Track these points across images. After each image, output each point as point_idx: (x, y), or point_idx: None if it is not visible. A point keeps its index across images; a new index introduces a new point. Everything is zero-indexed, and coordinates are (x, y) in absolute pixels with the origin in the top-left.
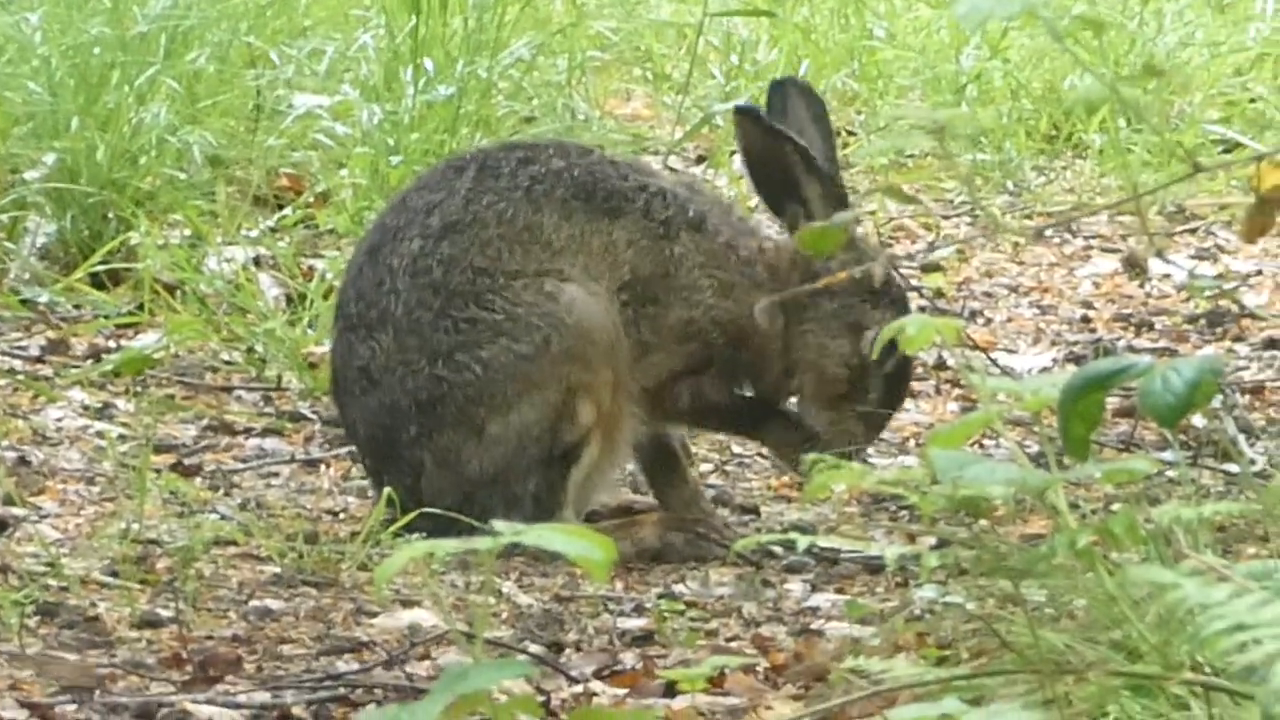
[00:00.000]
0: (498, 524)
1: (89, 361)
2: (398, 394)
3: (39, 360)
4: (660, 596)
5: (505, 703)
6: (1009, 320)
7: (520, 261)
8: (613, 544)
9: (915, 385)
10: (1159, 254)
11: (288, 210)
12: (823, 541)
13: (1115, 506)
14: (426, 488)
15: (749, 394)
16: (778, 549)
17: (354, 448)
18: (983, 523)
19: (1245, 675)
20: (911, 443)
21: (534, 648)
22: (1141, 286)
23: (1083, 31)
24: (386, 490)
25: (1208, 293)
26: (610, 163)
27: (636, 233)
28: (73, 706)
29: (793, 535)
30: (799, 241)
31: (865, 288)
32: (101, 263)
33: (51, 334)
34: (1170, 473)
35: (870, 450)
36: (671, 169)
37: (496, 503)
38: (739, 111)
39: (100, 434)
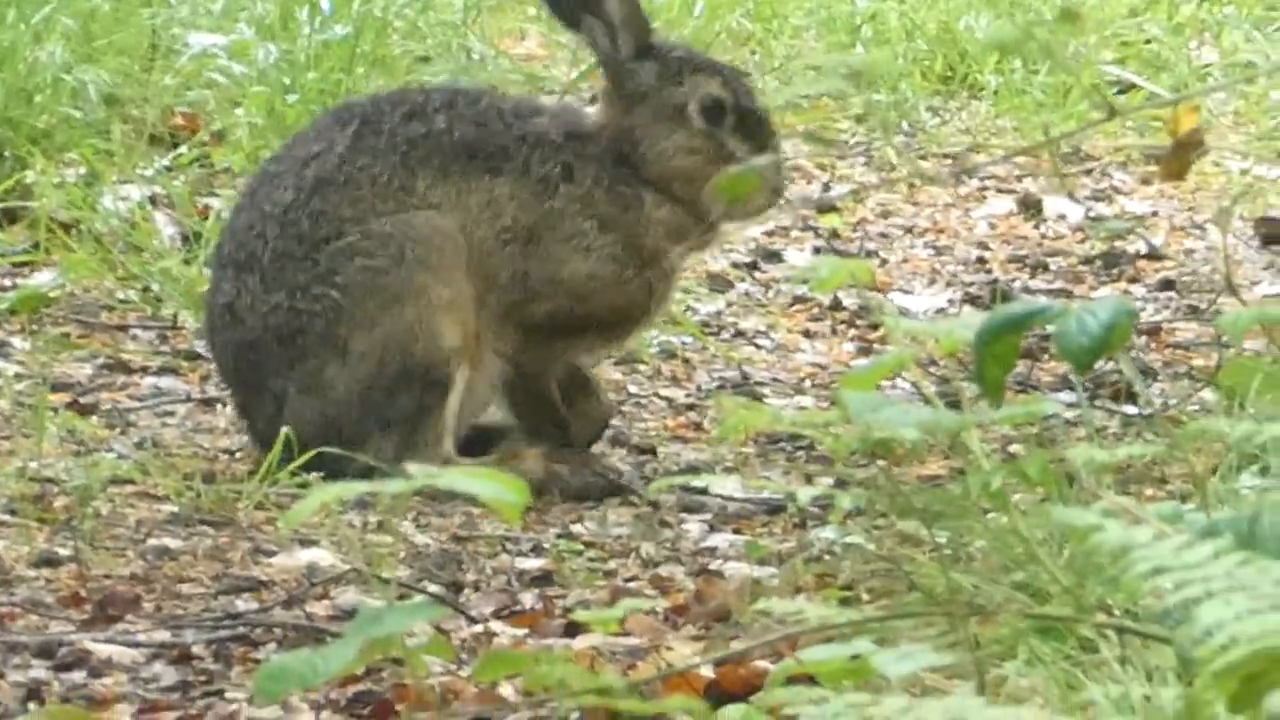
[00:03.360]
0: (410, 466)
1: None
2: (259, 331)
3: None
4: (559, 536)
5: (419, 645)
6: (904, 261)
7: (390, 210)
8: (525, 486)
9: (811, 326)
10: (1070, 195)
11: (183, 149)
12: (729, 484)
13: (1012, 448)
14: (290, 416)
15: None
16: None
17: (202, 354)
18: (880, 463)
19: (1159, 618)
20: (808, 383)
21: (433, 588)
22: (1037, 228)
23: None
24: (285, 431)
25: (1114, 233)
26: (497, 111)
27: (518, 190)
28: None
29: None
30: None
31: (666, 75)
32: None
33: None
34: (1067, 414)
35: (767, 391)
36: None
37: (367, 427)
38: None
39: None
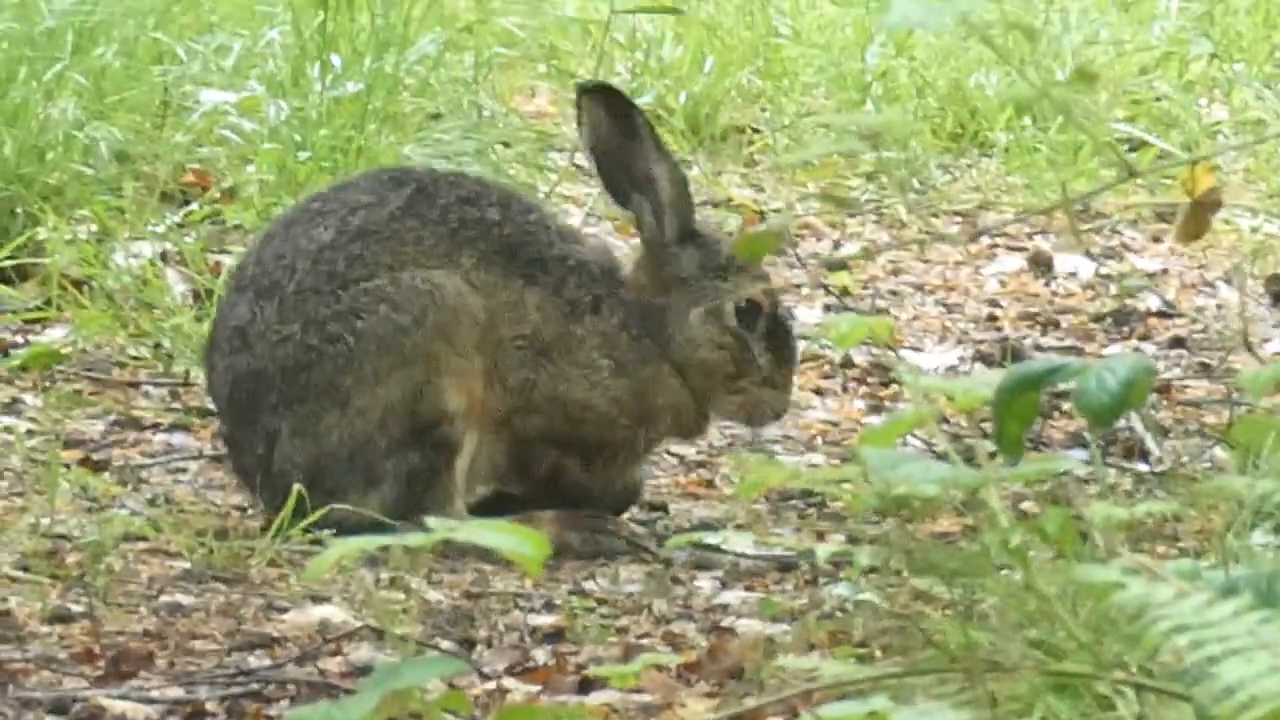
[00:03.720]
0: (430, 520)
1: None
2: (266, 360)
3: None
4: (571, 593)
5: (436, 698)
6: (915, 318)
7: (430, 267)
8: (546, 540)
9: (822, 383)
10: (1087, 253)
11: (194, 205)
12: (742, 541)
13: (1024, 505)
14: (278, 456)
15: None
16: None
17: (213, 410)
18: (890, 521)
19: (1177, 676)
20: (819, 440)
21: (445, 644)
22: (1047, 285)
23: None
24: (297, 487)
25: (1130, 290)
26: (544, 227)
27: (546, 305)
28: None
29: (725, 534)
30: (738, 248)
31: (710, 267)
32: (8, 258)
33: None
34: (1078, 471)
35: (779, 448)
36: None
37: (353, 480)
38: (586, 90)
39: (8, 429)
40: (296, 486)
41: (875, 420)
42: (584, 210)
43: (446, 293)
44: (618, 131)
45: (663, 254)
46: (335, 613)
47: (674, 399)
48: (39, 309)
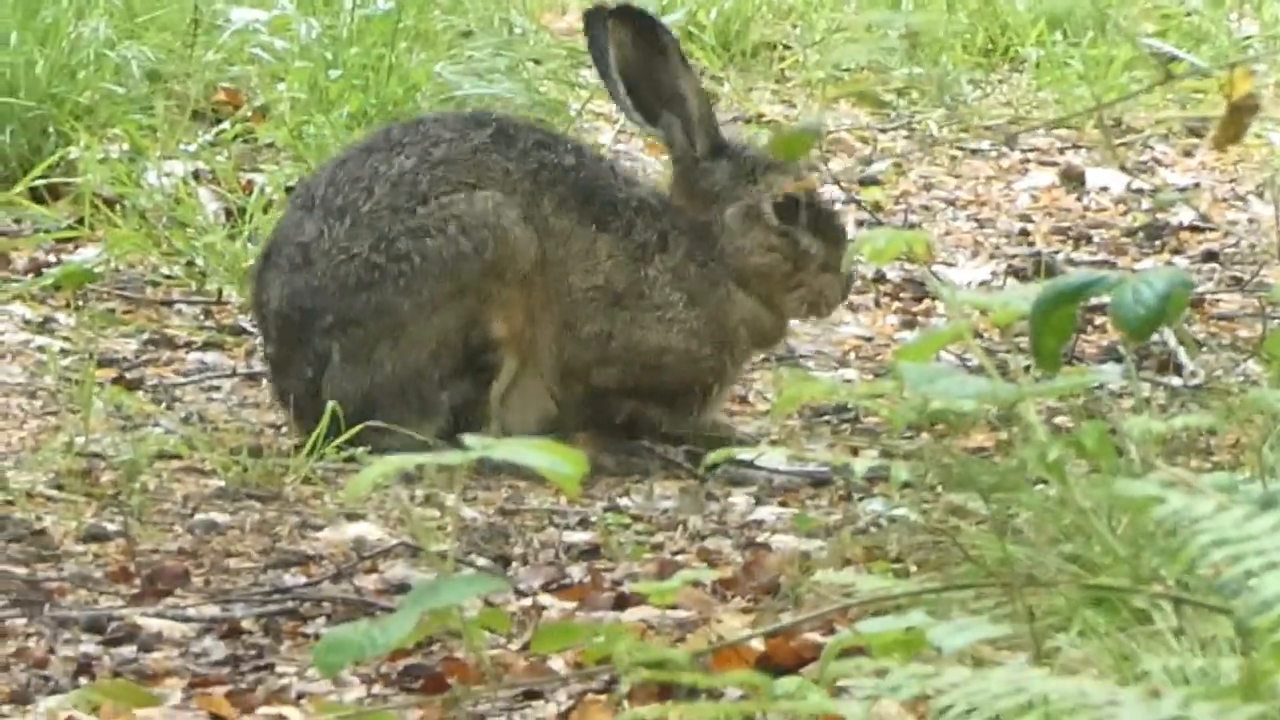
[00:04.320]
0: (467, 438)
1: (29, 276)
2: (326, 279)
3: None
4: (606, 510)
5: (475, 616)
6: (947, 234)
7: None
8: (583, 458)
9: (855, 299)
10: (1121, 166)
11: (226, 124)
12: (779, 458)
13: (1058, 420)
14: (328, 384)
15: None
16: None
17: (259, 328)
18: (925, 436)
19: (1215, 589)
20: (853, 356)
21: (480, 561)
22: (1079, 200)
23: None
24: (331, 404)
25: (1164, 204)
26: (612, 171)
27: (616, 249)
28: (22, 620)
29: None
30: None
31: (742, 175)
32: (41, 177)
33: None
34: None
35: (812, 364)
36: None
37: (408, 410)
38: (614, 13)
39: (41, 348)
40: (331, 403)
41: (908, 336)
42: (614, 128)
43: (508, 225)
44: (643, 52)
45: (695, 170)
46: (370, 530)
47: (746, 312)
48: (71, 228)
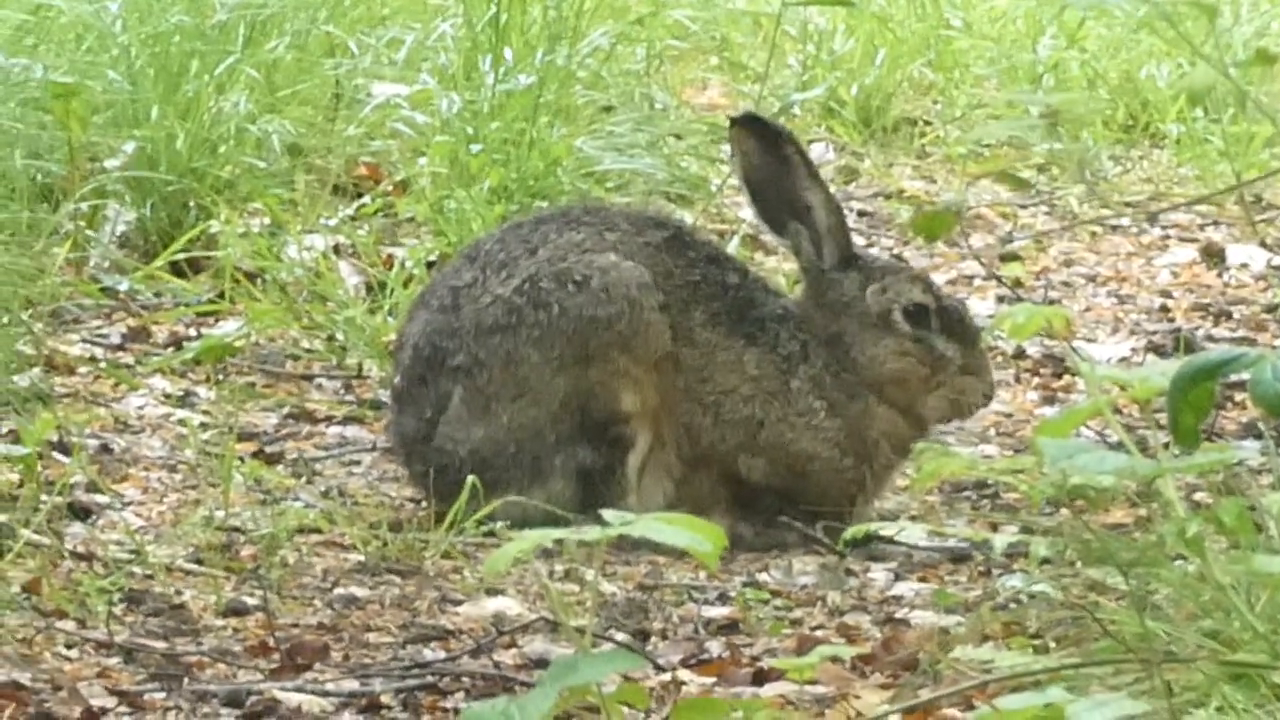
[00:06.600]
0: (606, 513)
1: (170, 349)
2: (467, 320)
3: (120, 348)
4: (745, 585)
5: (614, 692)
6: (1087, 309)
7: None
8: (723, 533)
9: (996, 375)
10: (1262, 242)
11: (367, 199)
12: (919, 533)
13: (1197, 496)
14: (443, 428)
15: None
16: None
17: (394, 358)
18: (1065, 511)
19: None
20: (993, 431)
21: (619, 636)
22: (1220, 276)
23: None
24: (470, 479)
25: None
26: (762, 288)
27: (764, 362)
28: (161, 694)
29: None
30: (915, 226)
31: (868, 283)
32: (181, 250)
33: (132, 322)
34: (1251, 462)
35: (952, 440)
36: None
37: (518, 473)
38: (736, 121)
39: (182, 422)
40: (471, 478)
41: (1048, 412)
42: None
43: (646, 305)
44: (770, 161)
45: (824, 280)
46: (510, 605)
47: (885, 424)
48: (212, 302)
